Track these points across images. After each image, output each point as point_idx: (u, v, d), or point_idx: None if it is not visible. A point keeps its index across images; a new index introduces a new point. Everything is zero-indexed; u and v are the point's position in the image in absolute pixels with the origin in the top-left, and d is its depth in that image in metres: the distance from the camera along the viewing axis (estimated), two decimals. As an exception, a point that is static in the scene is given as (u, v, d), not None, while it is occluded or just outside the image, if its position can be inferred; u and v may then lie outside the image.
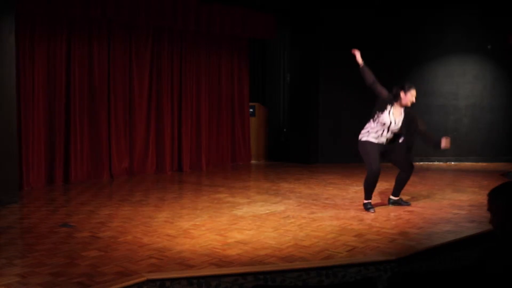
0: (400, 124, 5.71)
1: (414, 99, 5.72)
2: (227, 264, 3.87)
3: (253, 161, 11.32)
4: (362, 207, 5.95)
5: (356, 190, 7.30)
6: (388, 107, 5.66)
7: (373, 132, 5.71)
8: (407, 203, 6.14)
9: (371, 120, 5.73)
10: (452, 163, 10.72)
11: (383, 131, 5.69)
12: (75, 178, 8.23)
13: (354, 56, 5.92)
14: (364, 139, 5.75)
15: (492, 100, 10.79)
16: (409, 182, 7.96)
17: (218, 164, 10.49)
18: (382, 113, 5.64)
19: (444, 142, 5.64)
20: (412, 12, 10.59)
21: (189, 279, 3.55)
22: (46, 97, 7.98)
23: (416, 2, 10.51)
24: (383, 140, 5.74)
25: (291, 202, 6.44)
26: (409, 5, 10.50)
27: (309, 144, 10.71)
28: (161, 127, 9.47)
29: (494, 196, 2.33)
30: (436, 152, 6.10)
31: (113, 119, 8.79)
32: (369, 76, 5.73)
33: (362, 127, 5.85)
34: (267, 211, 5.84)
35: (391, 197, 6.17)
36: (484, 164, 10.42)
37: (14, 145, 6.48)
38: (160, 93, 9.46)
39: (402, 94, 5.65)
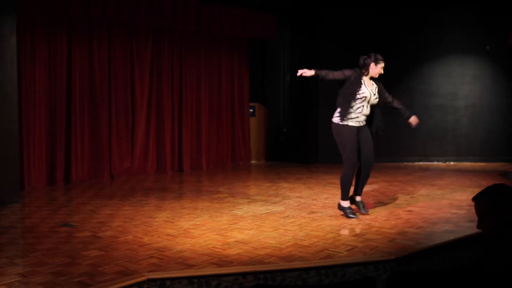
0: (377, 94, 5.47)
1: (382, 71, 5.50)
2: (227, 264, 3.89)
3: (253, 161, 11.34)
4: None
5: (356, 190, 7.32)
6: (362, 80, 5.40)
7: (353, 112, 5.37)
8: (365, 211, 5.63)
9: (345, 98, 5.37)
10: (451, 163, 10.74)
11: (363, 107, 5.39)
12: (76, 178, 8.25)
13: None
14: (343, 122, 5.38)
15: (491, 100, 10.81)
16: (408, 182, 8.03)
17: (218, 164, 10.51)
18: (360, 89, 5.34)
19: (414, 120, 5.65)
20: (412, 12, 10.61)
21: (189, 279, 3.57)
22: (47, 97, 8.00)
23: (416, 2, 10.53)
24: (362, 119, 5.43)
25: (291, 202, 6.45)
26: (409, 5, 10.51)
27: (309, 144, 10.73)
28: (162, 127, 9.49)
29: (477, 199, 2.37)
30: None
31: (113, 119, 8.81)
32: (326, 74, 5.39)
33: None
34: (267, 211, 5.86)
35: (355, 196, 5.70)
36: (483, 164, 10.44)
37: (15, 145, 6.50)
38: (161, 93, 9.48)
39: (372, 65, 5.42)
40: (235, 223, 5.27)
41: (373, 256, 4.05)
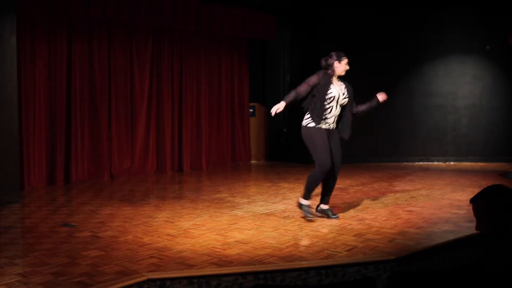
0: (347, 94, 5.31)
1: (348, 67, 5.35)
2: (227, 264, 3.89)
3: (253, 161, 11.34)
4: (360, 207, 5.95)
5: (356, 190, 7.33)
6: (331, 80, 5.26)
7: (320, 108, 5.19)
8: (335, 216, 5.43)
9: (315, 103, 5.21)
10: (452, 163, 10.74)
11: (332, 107, 5.23)
12: (75, 178, 8.25)
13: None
14: (311, 124, 5.24)
15: (491, 100, 10.81)
16: (408, 182, 8.03)
17: (218, 164, 10.52)
18: (328, 89, 5.21)
19: (381, 97, 5.46)
20: (412, 12, 10.61)
21: (189, 279, 3.57)
22: (47, 97, 8.00)
23: (416, 2, 10.53)
24: (331, 121, 5.27)
25: (291, 202, 6.45)
26: (409, 5, 10.52)
27: (309, 144, 10.70)
28: (162, 127, 9.49)
29: (476, 201, 2.37)
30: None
31: (113, 119, 8.81)
32: (296, 95, 5.23)
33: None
34: (267, 211, 5.86)
35: (321, 205, 5.50)
36: (483, 164, 10.44)
37: (15, 145, 6.50)
38: (160, 93, 9.48)
39: (336, 63, 5.28)
40: (235, 223, 5.27)
41: (373, 256, 4.04)
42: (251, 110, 11.36)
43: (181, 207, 6.16)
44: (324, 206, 5.49)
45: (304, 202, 5.38)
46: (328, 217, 5.41)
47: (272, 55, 11.73)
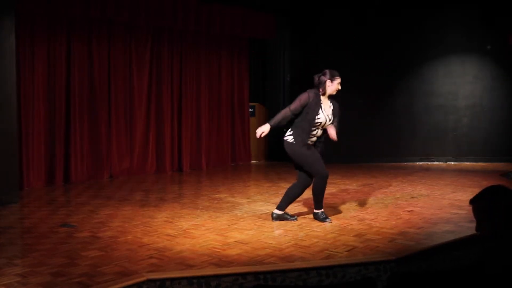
0: (332, 118, 5.20)
1: (340, 87, 5.18)
2: (227, 264, 3.88)
3: (253, 161, 11.33)
4: (360, 207, 5.94)
5: (356, 190, 7.32)
6: (320, 103, 5.12)
7: (306, 133, 5.14)
8: (293, 218, 5.40)
9: (303, 126, 5.13)
10: (452, 163, 10.73)
11: (317, 130, 5.17)
12: (75, 178, 8.24)
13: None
14: (297, 142, 5.18)
15: (492, 100, 10.80)
16: (408, 182, 8.02)
17: (218, 164, 10.51)
18: (317, 115, 5.09)
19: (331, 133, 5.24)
20: (412, 12, 10.61)
21: (189, 279, 3.56)
22: (46, 97, 8.00)
23: (416, 2, 10.53)
24: (313, 139, 5.22)
25: (291, 202, 6.43)
26: (409, 5, 10.51)
27: (309, 144, 10.71)
28: (161, 127, 9.49)
29: (476, 202, 2.37)
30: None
31: (113, 119, 8.81)
32: (283, 116, 5.19)
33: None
34: (267, 211, 5.85)
35: (276, 211, 5.41)
36: (484, 164, 10.43)
37: (14, 145, 6.49)
38: (160, 93, 9.48)
39: (328, 82, 5.13)
40: (235, 223, 5.26)
41: (373, 257, 4.03)
42: (251, 110, 11.36)
43: (181, 207, 6.15)
44: (278, 211, 5.39)
45: (319, 211, 5.32)
46: (286, 220, 5.35)
47: (272, 55, 11.73)
